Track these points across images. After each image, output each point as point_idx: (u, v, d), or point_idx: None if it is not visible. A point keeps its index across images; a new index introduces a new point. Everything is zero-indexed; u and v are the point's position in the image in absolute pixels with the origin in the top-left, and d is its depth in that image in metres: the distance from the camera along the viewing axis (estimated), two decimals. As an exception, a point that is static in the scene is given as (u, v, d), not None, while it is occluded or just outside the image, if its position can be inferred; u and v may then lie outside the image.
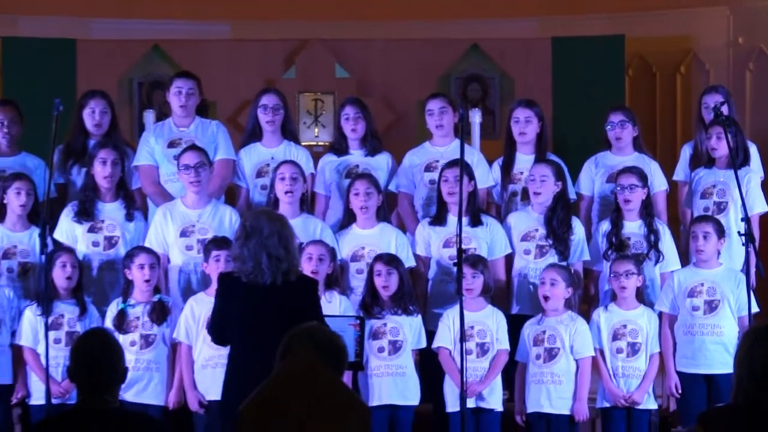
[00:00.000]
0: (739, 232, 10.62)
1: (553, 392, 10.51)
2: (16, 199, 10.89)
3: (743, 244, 10.51)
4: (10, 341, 10.50)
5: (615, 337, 10.64)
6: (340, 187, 11.53)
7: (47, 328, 10.05)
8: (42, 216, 10.39)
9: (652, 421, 9.77)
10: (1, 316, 10.52)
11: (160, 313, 10.50)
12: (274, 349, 7.04)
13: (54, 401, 9.99)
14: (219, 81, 13.79)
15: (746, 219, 10.50)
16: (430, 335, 10.63)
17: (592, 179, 11.63)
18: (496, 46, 14.97)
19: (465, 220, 10.34)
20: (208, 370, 10.27)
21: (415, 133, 12.57)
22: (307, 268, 10.02)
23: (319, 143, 13.43)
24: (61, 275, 10.38)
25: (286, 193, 10.96)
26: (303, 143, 12.47)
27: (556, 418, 10.51)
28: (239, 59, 14.88)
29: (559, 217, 11.03)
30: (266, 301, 8.75)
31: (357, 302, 10.68)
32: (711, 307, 10.65)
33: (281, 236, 8.91)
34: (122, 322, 10.40)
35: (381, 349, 10.46)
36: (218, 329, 9.09)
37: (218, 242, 10.36)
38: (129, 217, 11.09)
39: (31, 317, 10.43)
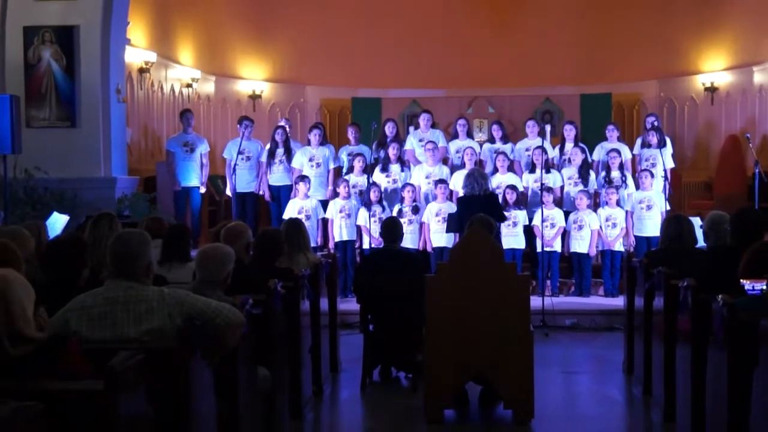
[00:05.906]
0: (662, 176, 10.51)
1: (580, 242, 10.34)
2: (357, 164, 10.96)
3: (664, 181, 10.46)
4: (355, 222, 10.65)
5: (606, 220, 10.42)
6: (492, 158, 11.38)
7: (370, 216, 10.24)
8: (367, 171, 10.57)
9: (623, 257, 9.56)
10: (351, 212, 10.59)
11: (416, 211, 10.48)
12: (464, 224, 7.13)
13: (373, 246, 10.14)
14: (440, 114, 13.72)
15: (665, 170, 10.43)
16: (530, 219, 10.52)
17: (599, 153, 11.30)
18: (557, 98, 14.82)
19: (543, 171, 10.21)
20: (437, 234, 10.29)
21: (521, 134, 12.38)
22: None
23: (481, 139, 13.27)
24: (373, 196, 10.45)
25: (470, 160, 10.90)
26: (475, 139, 12.36)
27: (582, 255, 10.37)
28: (448, 105, 14.86)
29: (584, 169, 10.80)
30: (474, 203, 9.10)
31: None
32: (648, 207, 10.35)
33: (483, 176, 9.53)
34: (400, 214, 10.39)
35: (508, 225, 10.28)
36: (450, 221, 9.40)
37: (443, 180, 10.34)
38: (402, 170, 11.08)
39: (363, 212, 10.51)
